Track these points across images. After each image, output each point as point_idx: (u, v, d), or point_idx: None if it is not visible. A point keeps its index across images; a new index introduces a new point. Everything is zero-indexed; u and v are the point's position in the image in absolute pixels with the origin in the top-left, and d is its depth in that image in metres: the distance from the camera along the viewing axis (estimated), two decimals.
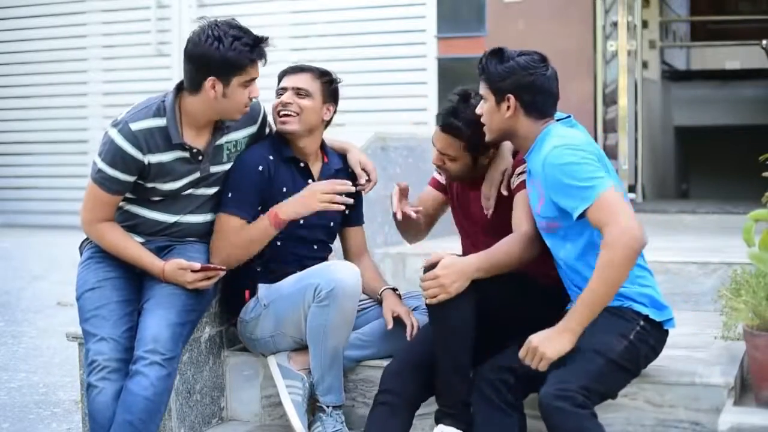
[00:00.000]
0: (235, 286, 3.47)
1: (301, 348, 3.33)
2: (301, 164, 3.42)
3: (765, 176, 3.30)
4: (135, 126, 3.10)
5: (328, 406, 3.25)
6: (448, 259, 2.89)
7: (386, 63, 7.63)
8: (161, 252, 3.27)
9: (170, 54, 8.10)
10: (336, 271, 3.18)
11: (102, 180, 3.12)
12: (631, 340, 2.78)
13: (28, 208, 8.93)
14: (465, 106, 3.11)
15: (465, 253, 3.24)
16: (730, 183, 8.22)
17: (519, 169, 3.11)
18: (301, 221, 3.36)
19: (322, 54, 7.65)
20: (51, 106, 8.80)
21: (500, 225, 3.09)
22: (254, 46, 3.09)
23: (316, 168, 3.46)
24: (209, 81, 3.07)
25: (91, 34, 8.58)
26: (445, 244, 3.53)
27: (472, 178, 3.22)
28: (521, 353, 2.73)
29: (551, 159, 2.77)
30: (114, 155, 3.10)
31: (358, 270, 3.22)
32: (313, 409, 3.30)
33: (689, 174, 9.66)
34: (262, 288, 3.38)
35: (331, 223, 3.49)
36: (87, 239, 3.33)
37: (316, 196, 3.23)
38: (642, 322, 2.81)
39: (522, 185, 3.08)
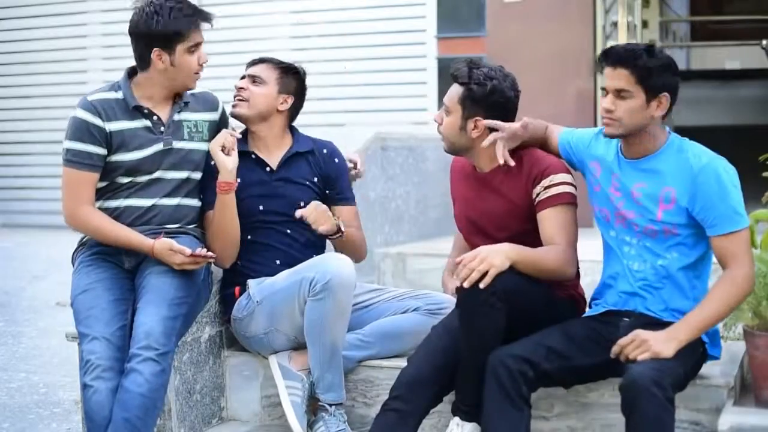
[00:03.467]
0: (226, 284, 3.49)
1: (303, 348, 3.33)
2: (253, 156, 3.47)
3: (765, 176, 3.29)
4: (92, 97, 3.26)
5: (330, 405, 3.24)
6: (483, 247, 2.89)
7: (386, 63, 7.64)
8: None
9: None
10: (330, 263, 3.17)
11: (74, 158, 3.19)
12: (695, 362, 2.82)
13: (28, 208, 8.94)
14: (487, 68, 3.09)
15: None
16: None
17: (545, 182, 3.04)
18: (261, 207, 3.41)
19: (322, 54, 7.66)
20: (51, 106, 8.80)
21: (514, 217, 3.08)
22: (193, 14, 3.23)
23: (276, 156, 3.48)
24: (155, 53, 3.22)
25: (91, 34, 8.60)
26: (441, 245, 3.52)
27: (460, 151, 3.17)
28: (624, 340, 2.69)
29: (717, 169, 2.75)
30: (78, 129, 3.20)
31: (351, 261, 3.22)
32: (314, 408, 3.30)
33: None
34: (253, 284, 3.38)
35: (302, 203, 3.42)
36: (78, 247, 3.36)
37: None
38: (701, 349, 2.85)
39: (551, 200, 3.02)
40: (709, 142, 2.98)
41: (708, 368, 3.03)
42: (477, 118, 3.07)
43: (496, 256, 2.82)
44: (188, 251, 3.14)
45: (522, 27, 6.80)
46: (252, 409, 3.58)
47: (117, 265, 3.27)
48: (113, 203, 3.26)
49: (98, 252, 3.28)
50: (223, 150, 3.26)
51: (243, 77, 3.50)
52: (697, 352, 2.82)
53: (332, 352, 3.22)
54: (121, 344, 3.04)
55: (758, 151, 3.55)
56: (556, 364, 2.80)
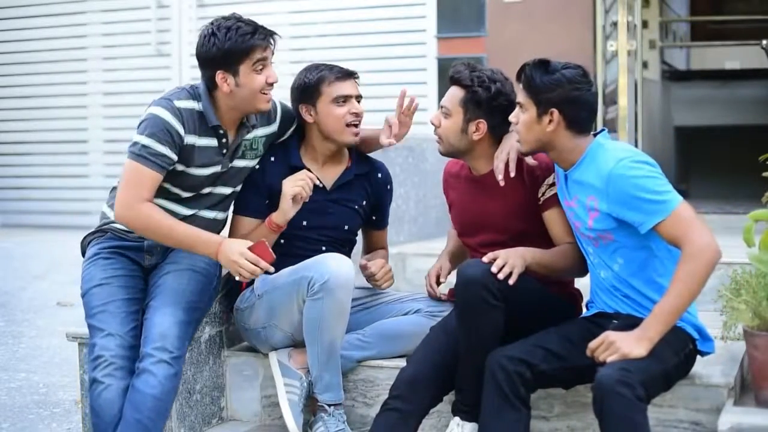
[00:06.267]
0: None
1: (302, 345, 3.32)
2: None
3: (765, 176, 3.29)
4: (179, 104, 3.15)
5: (329, 405, 3.25)
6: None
7: (386, 63, 7.63)
8: (166, 252, 3.27)
9: (170, 54, 8.09)
10: (329, 263, 3.17)
11: (146, 154, 3.07)
12: (682, 360, 2.81)
13: (28, 208, 8.92)
14: (490, 71, 3.12)
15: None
16: (730, 183, 8.22)
17: (550, 180, 3.07)
18: (305, 222, 3.38)
19: (322, 54, 7.64)
20: (51, 106, 8.79)
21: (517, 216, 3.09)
22: (252, 33, 3.12)
23: (330, 173, 3.45)
24: (219, 75, 3.13)
25: (91, 34, 8.58)
26: (441, 245, 3.52)
27: (458, 154, 3.17)
28: (593, 343, 2.69)
29: (620, 171, 2.74)
30: (158, 128, 3.09)
31: (351, 261, 3.23)
32: (314, 409, 3.29)
33: (689, 174, 9.65)
34: (258, 278, 3.38)
35: (346, 227, 3.47)
36: (96, 234, 3.31)
37: (287, 189, 3.22)
38: (691, 346, 2.85)
39: (552, 201, 3.05)
40: (709, 142, 2.99)
41: (708, 368, 3.03)
42: (479, 120, 3.08)
43: (517, 259, 2.86)
44: (264, 264, 3.03)
45: (522, 27, 6.80)
46: (252, 409, 3.58)
47: (135, 262, 3.24)
48: (159, 201, 3.18)
49: (118, 247, 3.24)
50: (294, 197, 3.22)
51: (347, 96, 3.48)
52: (685, 349, 2.81)
53: (330, 352, 3.22)
54: (134, 344, 3.03)
55: (758, 151, 3.55)
56: (554, 365, 2.81)
